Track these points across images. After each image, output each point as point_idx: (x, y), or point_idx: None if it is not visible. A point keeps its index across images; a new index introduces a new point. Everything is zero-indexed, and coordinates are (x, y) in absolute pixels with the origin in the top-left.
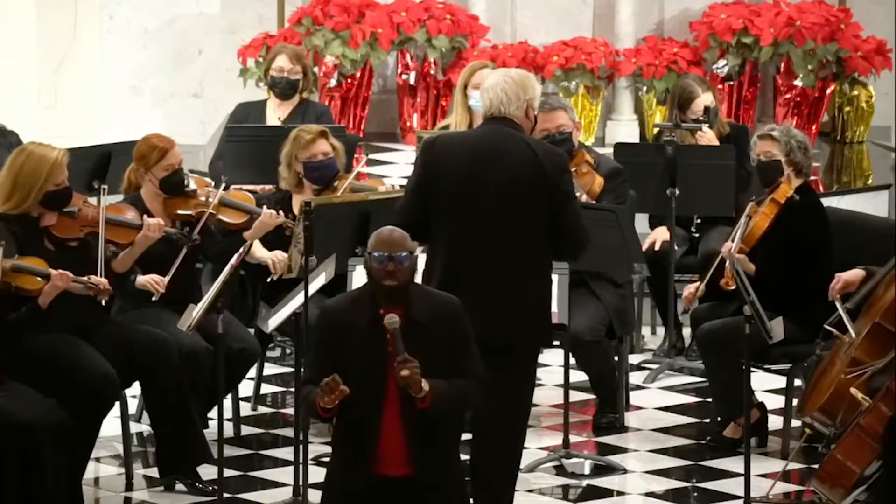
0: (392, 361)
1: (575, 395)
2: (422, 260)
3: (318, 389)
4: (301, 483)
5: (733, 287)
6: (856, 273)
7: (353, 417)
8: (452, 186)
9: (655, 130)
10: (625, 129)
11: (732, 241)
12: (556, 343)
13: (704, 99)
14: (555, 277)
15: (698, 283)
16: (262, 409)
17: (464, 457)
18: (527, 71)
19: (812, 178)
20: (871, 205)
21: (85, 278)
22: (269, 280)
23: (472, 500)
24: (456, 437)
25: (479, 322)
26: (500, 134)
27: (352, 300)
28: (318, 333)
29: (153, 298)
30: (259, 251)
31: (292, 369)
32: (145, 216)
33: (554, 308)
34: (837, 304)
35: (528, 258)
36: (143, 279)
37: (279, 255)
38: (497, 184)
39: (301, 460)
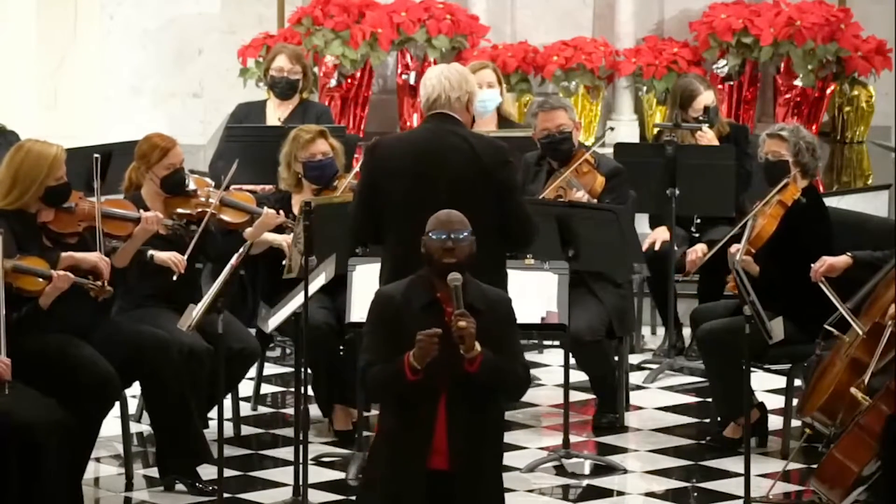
0: (447, 345)
1: (575, 395)
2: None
3: (393, 362)
4: (301, 483)
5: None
6: (842, 259)
7: (407, 404)
8: (397, 188)
9: (655, 130)
10: (625, 129)
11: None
12: (556, 343)
13: (706, 97)
14: (555, 277)
15: (706, 249)
16: (262, 409)
17: None
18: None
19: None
20: (871, 205)
21: (94, 256)
22: (283, 263)
23: None
24: (497, 432)
25: None
26: (440, 131)
27: (408, 284)
28: (373, 317)
29: (174, 278)
30: (270, 235)
31: (292, 369)
32: (142, 210)
33: (554, 308)
34: (823, 287)
35: (478, 253)
36: (164, 255)
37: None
38: (440, 182)
39: (301, 460)
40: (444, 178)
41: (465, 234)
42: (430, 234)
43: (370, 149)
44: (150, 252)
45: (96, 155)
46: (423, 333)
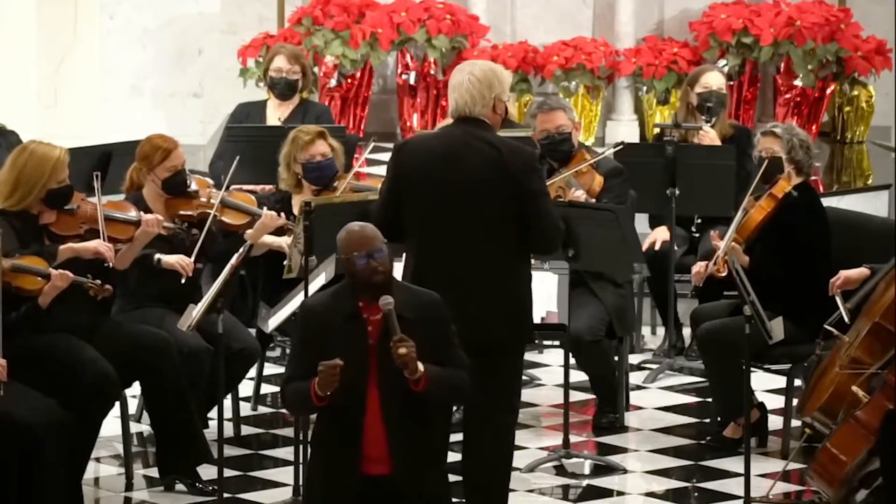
0: (372, 355)
1: (575, 395)
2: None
3: (307, 381)
4: (301, 483)
5: (724, 274)
6: (859, 271)
7: (335, 414)
8: (421, 189)
9: (656, 130)
10: (625, 129)
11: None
12: (556, 343)
13: (712, 77)
14: (555, 277)
15: (707, 262)
16: (262, 409)
17: (456, 457)
18: (493, 63)
19: (812, 178)
20: (871, 205)
21: (94, 245)
22: (284, 263)
23: (465, 502)
24: (439, 436)
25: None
26: (467, 135)
27: (331, 296)
28: (299, 331)
29: (181, 281)
30: (270, 238)
31: None
32: (142, 213)
33: (554, 308)
34: (838, 301)
35: (497, 257)
36: (171, 259)
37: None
38: (463, 185)
39: (301, 460)
40: (467, 181)
41: (382, 247)
42: (351, 258)
43: (398, 148)
44: (158, 256)
45: (97, 172)
46: (323, 364)
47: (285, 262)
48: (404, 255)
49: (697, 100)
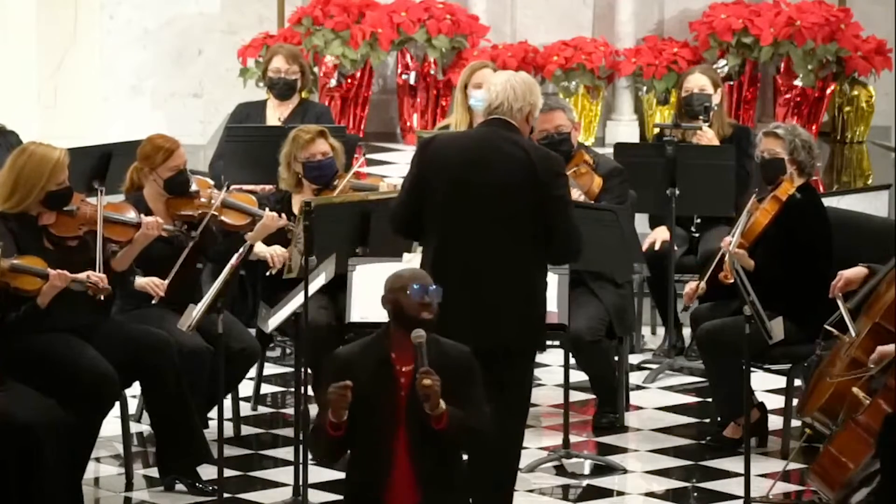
0: (402, 407)
1: (575, 395)
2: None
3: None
4: (301, 483)
5: (732, 280)
6: (858, 271)
7: (364, 459)
8: (444, 187)
9: (656, 130)
10: (625, 129)
11: (732, 236)
12: (556, 343)
13: (697, 79)
14: (555, 277)
15: (698, 281)
16: (262, 409)
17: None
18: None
19: (813, 178)
20: (871, 205)
21: (83, 276)
22: (267, 274)
23: (470, 502)
24: (461, 471)
25: (465, 324)
26: (496, 135)
27: (362, 346)
28: (329, 379)
29: (153, 301)
30: (257, 246)
31: (292, 369)
32: (142, 214)
33: (554, 308)
34: (839, 302)
35: (517, 261)
36: (142, 281)
37: (278, 249)
38: (488, 185)
39: (301, 460)
40: (492, 182)
41: (437, 289)
42: (406, 287)
43: (424, 144)
44: (132, 277)
45: (101, 187)
46: (333, 386)
47: (268, 273)
48: (421, 252)
49: (682, 104)
